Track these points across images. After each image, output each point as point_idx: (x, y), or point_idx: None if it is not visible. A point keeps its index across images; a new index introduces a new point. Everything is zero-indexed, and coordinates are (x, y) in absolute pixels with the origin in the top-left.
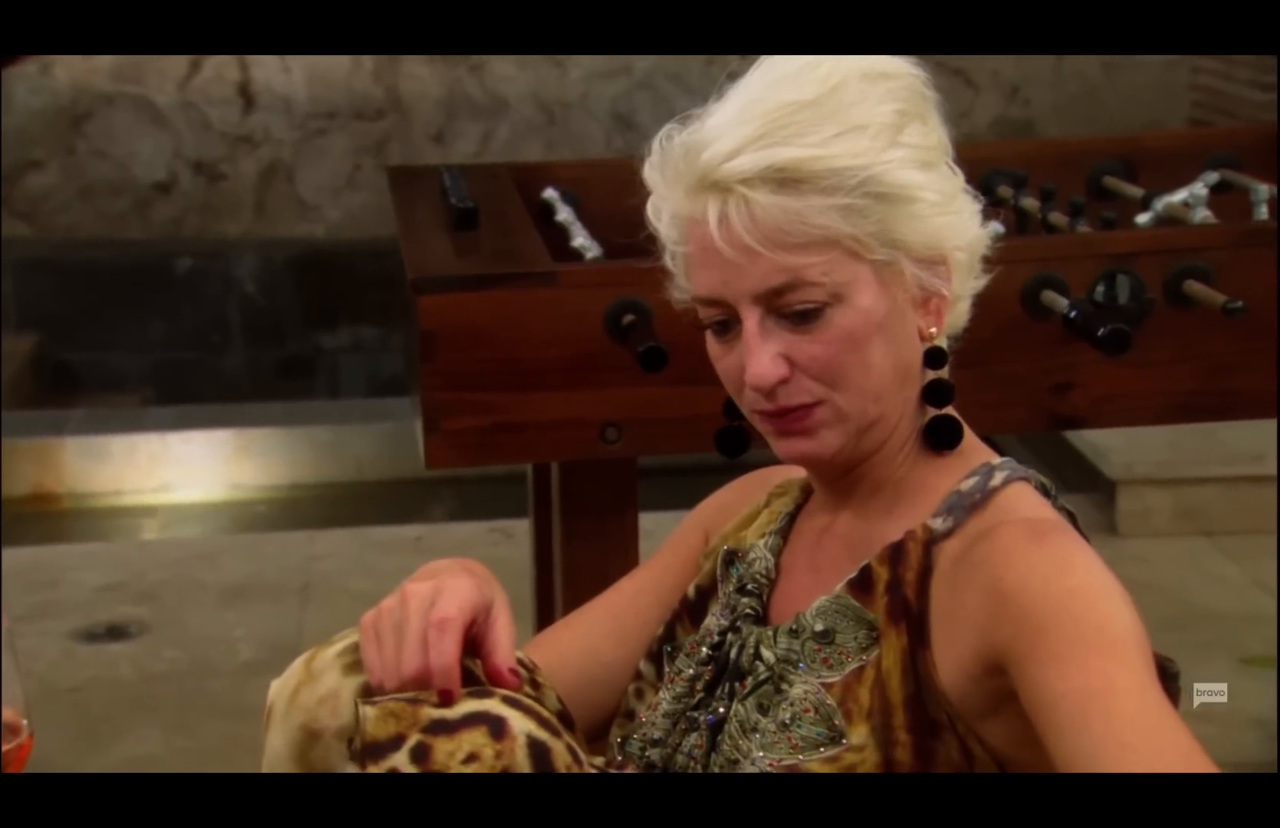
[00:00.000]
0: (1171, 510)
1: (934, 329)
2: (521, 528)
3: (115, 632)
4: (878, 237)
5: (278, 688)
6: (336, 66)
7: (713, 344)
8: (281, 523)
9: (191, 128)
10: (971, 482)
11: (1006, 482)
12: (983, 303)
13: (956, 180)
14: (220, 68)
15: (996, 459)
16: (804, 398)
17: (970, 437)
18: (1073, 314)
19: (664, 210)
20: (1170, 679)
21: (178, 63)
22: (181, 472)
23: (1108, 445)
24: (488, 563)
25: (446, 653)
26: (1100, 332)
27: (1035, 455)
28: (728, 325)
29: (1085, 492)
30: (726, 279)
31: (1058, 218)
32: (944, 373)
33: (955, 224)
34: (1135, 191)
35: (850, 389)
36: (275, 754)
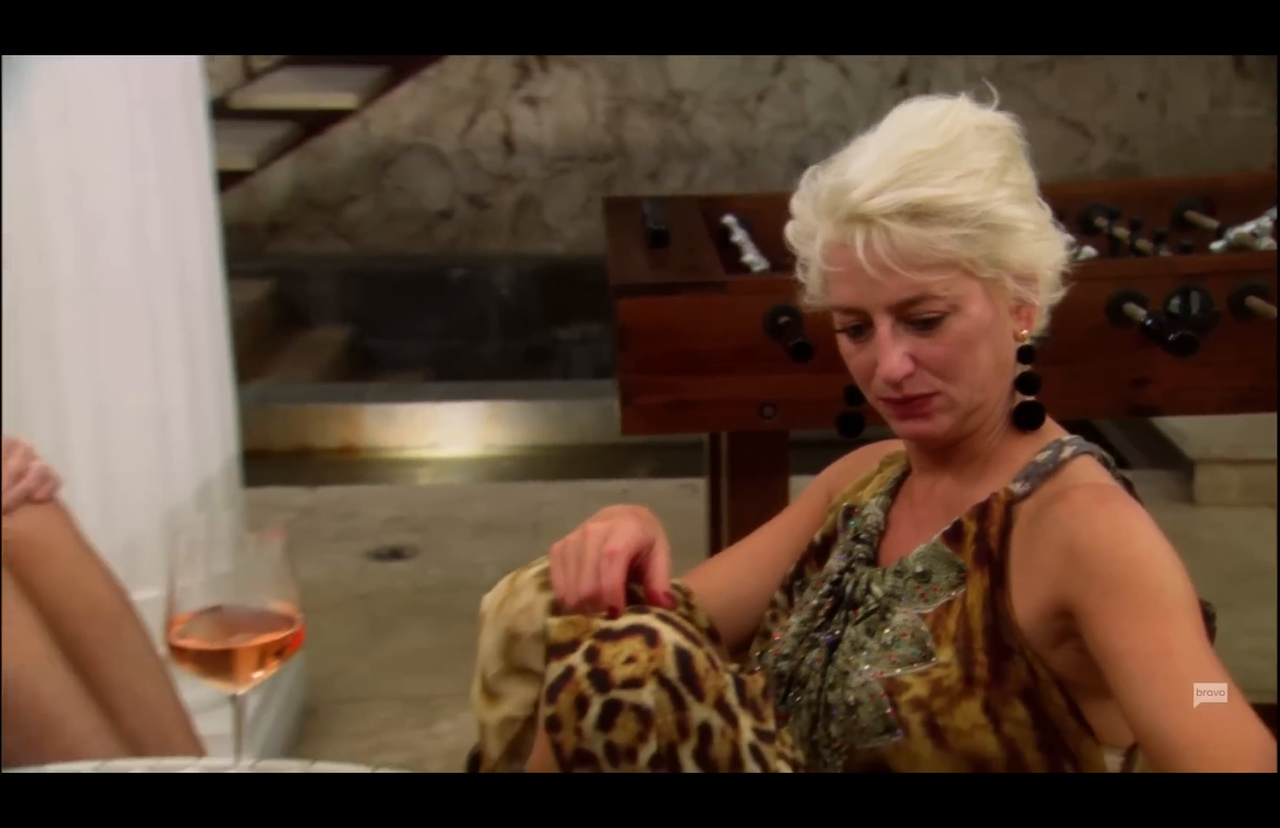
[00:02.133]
0: (1241, 485)
1: (1025, 331)
2: (705, 485)
3: (396, 553)
4: (987, 259)
5: (489, 600)
6: (576, 119)
7: (846, 344)
8: (521, 475)
9: (466, 169)
10: (1045, 454)
11: (1074, 454)
12: (1074, 311)
13: (1046, 212)
14: (489, 123)
15: (1066, 436)
16: (925, 389)
17: (1046, 418)
18: (1149, 322)
19: (816, 237)
20: (1208, 620)
21: (458, 119)
22: (448, 433)
23: (1188, 430)
24: (677, 513)
25: (614, 578)
26: (1171, 337)
27: (1128, 440)
28: (861, 329)
29: (1168, 468)
30: (864, 292)
31: (1144, 244)
32: (1031, 366)
33: (1046, 248)
34: (1211, 223)
35: (962, 382)
36: (485, 650)
